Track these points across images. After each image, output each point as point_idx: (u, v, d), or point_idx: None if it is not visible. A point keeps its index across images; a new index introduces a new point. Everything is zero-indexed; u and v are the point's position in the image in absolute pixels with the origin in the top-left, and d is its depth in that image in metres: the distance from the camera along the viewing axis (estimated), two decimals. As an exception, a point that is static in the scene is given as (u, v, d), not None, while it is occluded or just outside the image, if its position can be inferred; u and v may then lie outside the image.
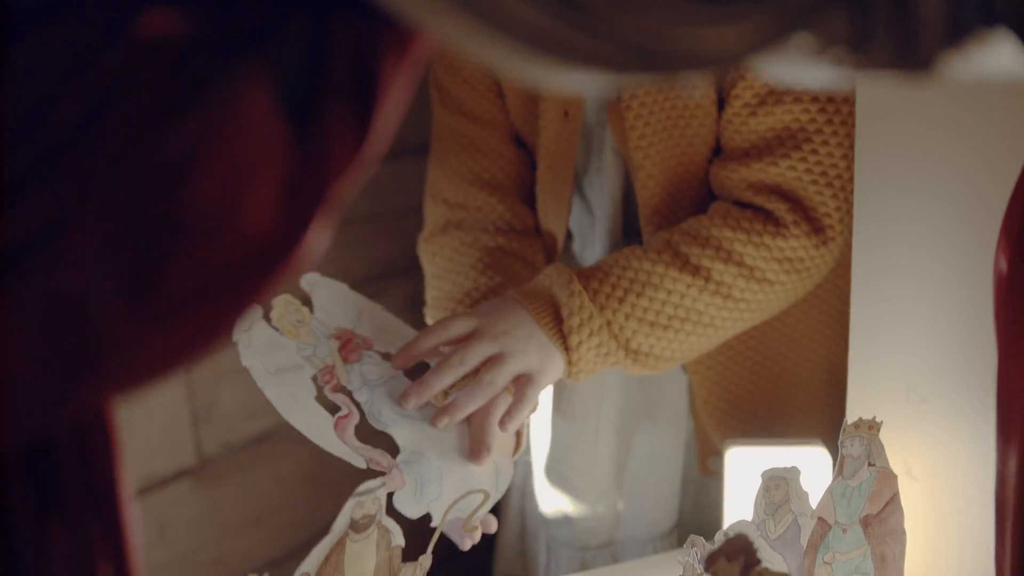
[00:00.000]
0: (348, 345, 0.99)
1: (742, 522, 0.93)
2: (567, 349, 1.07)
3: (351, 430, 0.96)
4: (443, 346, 1.04)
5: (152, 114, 0.37)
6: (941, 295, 1.01)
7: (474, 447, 1.01)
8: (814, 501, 0.96)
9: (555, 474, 1.36)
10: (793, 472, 0.93)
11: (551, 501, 1.38)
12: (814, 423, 1.31)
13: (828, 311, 1.29)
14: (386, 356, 1.02)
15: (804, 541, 0.95)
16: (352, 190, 0.41)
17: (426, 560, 0.91)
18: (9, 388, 0.38)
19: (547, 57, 0.35)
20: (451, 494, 0.98)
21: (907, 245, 1.03)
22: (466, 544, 0.99)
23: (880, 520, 0.97)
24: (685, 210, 1.21)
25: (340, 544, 0.85)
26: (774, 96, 1.12)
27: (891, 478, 0.96)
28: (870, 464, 0.95)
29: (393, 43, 0.40)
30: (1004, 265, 0.81)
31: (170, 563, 1.56)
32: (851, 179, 1.11)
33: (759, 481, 0.95)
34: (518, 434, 1.07)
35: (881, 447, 0.96)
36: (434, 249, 1.27)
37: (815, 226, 1.13)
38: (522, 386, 1.03)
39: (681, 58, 0.35)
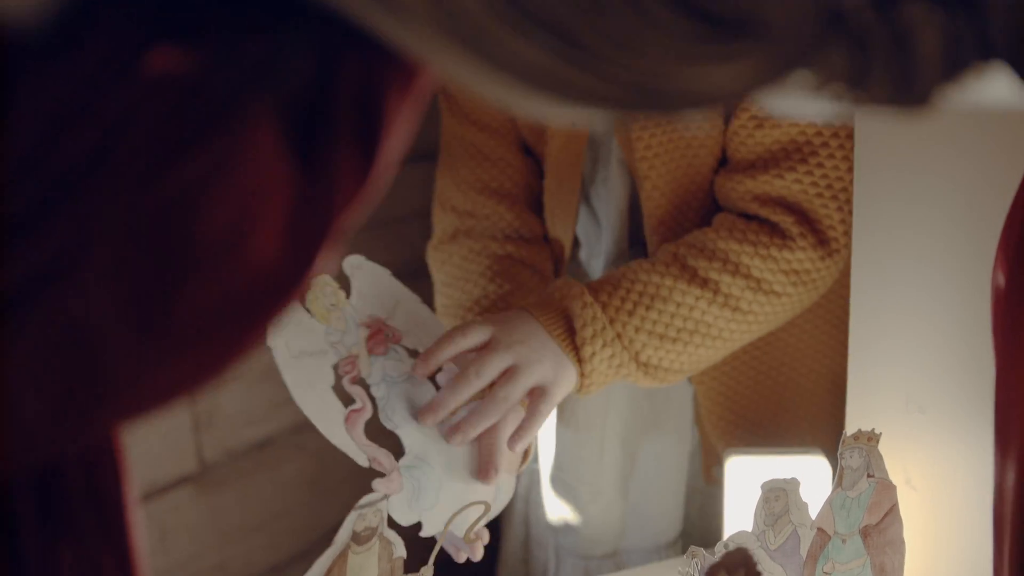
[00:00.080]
0: (376, 336, 0.99)
1: (742, 533, 0.94)
2: (580, 361, 1.07)
3: (361, 426, 0.95)
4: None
5: (160, 150, 0.37)
6: (940, 306, 1.02)
7: (482, 466, 1.01)
8: (814, 511, 0.97)
9: (560, 483, 1.37)
10: (793, 483, 0.94)
11: (556, 510, 1.38)
12: (818, 432, 1.31)
13: (831, 321, 1.30)
14: (412, 353, 1.02)
15: (804, 551, 0.95)
16: (357, 222, 0.42)
17: (428, 572, 0.92)
18: (19, 415, 0.38)
19: (549, 95, 0.35)
20: (447, 505, 0.98)
21: (906, 256, 1.04)
22: (461, 556, 0.99)
23: (879, 530, 0.97)
24: (690, 221, 1.21)
25: (342, 556, 0.85)
26: None
27: (890, 489, 0.97)
28: (869, 475, 0.96)
29: (397, 77, 0.40)
30: (1002, 279, 0.82)
31: (171, 569, 1.56)
32: None
33: (759, 491, 0.95)
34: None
35: (880, 458, 0.97)
36: (443, 257, 1.27)
37: (820, 238, 1.14)
38: (535, 401, 1.03)
39: (682, 96, 0.36)
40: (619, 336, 1.08)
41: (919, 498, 1.06)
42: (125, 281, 0.37)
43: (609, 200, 1.26)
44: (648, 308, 1.10)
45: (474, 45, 0.34)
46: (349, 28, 0.38)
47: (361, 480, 0.97)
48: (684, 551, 1.36)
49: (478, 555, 0.99)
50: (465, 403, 1.02)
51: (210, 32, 0.37)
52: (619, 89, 0.35)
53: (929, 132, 0.99)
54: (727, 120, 1.17)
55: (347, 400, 0.97)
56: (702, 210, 1.21)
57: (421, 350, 1.01)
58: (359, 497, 0.94)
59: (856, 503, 0.96)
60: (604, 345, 1.08)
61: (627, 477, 1.36)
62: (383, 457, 0.95)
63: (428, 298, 1.36)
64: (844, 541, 0.96)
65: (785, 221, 1.13)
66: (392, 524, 0.90)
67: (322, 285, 0.95)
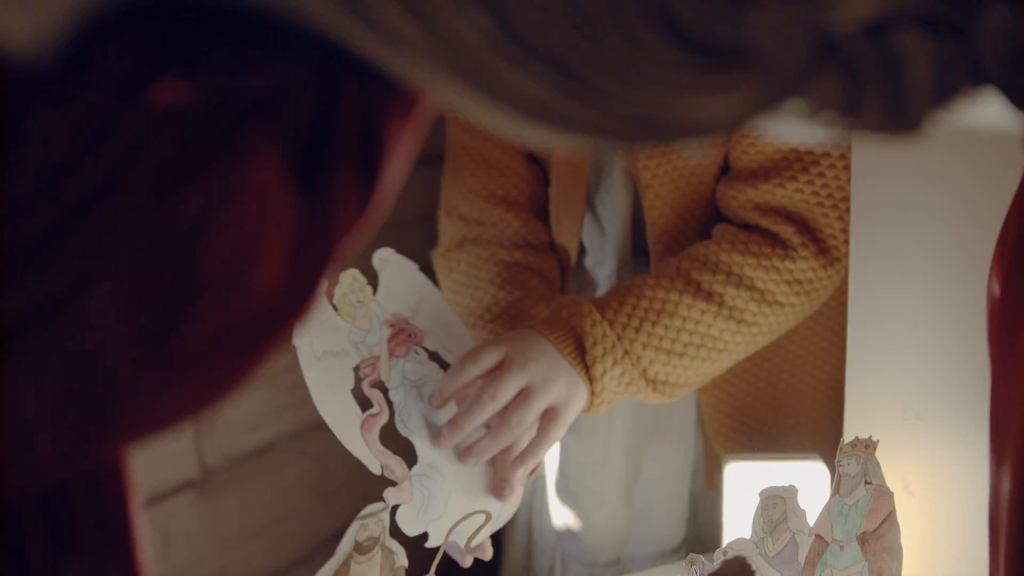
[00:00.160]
0: (398, 336, 0.99)
1: (741, 540, 0.94)
2: (591, 380, 1.07)
3: (376, 431, 0.95)
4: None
5: (166, 180, 0.38)
6: (937, 314, 1.02)
7: (497, 483, 1.02)
8: (812, 517, 0.97)
9: (564, 491, 1.37)
10: (791, 491, 0.94)
11: (560, 517, 1.39)
12: (819, 438, 1.32)
13: (832, 327, 1.30)
14: (432, 355, 1.02)
15: (802, 558, 0.96)
16: (358, 247, 0.42)
17: (430, 580, 0.93)
18: (26, 439, 0.39)
19: (548, 126, 0.36)
20: (454, 515, 0.98)
21: (903, 264, 1.04)
22: (467, 560, 1.00)
23: (877, 537, 0.98)
24: (693, 229, 1.22)
25: (345, 566, 0.86)
26: None
27: (887, 496, 0.98)
28: (866, 482, 0.97)
29: (397, 106, 0.41)
30: (997, 289, 0.83)
31: (173, 575, 1.57)
32: None
33: (757, 498, 0.96)
34: None
35: (877, 465, 0.97)
36: (451, 264, 1.28)
37: (822, 247, 1.14)
38: (545, 425, 1.04)
39: (678, 127, 0.36)
40: (627, 353, 1.09)
41: (917, 504, 1.07)
42: (132, 308, 0.38)
43: (613, 208, 1.27)
44: (655, 324, 1.10)
45: (473, 78, 0.35)
46: (350, 58, 0.38)
47: (362, 485, 0.97)
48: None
49: (489, 553, 1.00)
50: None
51: (214, 64, 0.38)
52: (617, 121, 0.36)
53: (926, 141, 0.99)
54: None
55: (364, 404, 0.97)
56: (704, 218, 1.22)
57: (442, 351, 1.02)
58: (360, 502, 0.94)
59: (854, 510, 0.97)
60: (615, 363, 1.08)
61: (631, 484, 1.37)
62: (396, 465, 0.95)
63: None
64: (842, 547, 0.97)
65: (786, 231, 1.14)
66: (394, 533, 0.91)
67: (351, 280, 0.95)
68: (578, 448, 1.34)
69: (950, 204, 0.99)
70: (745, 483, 1.16)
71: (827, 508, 0.96)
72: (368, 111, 0.40)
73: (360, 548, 0.86)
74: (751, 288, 1.12)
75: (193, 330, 0.39)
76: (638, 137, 0.36)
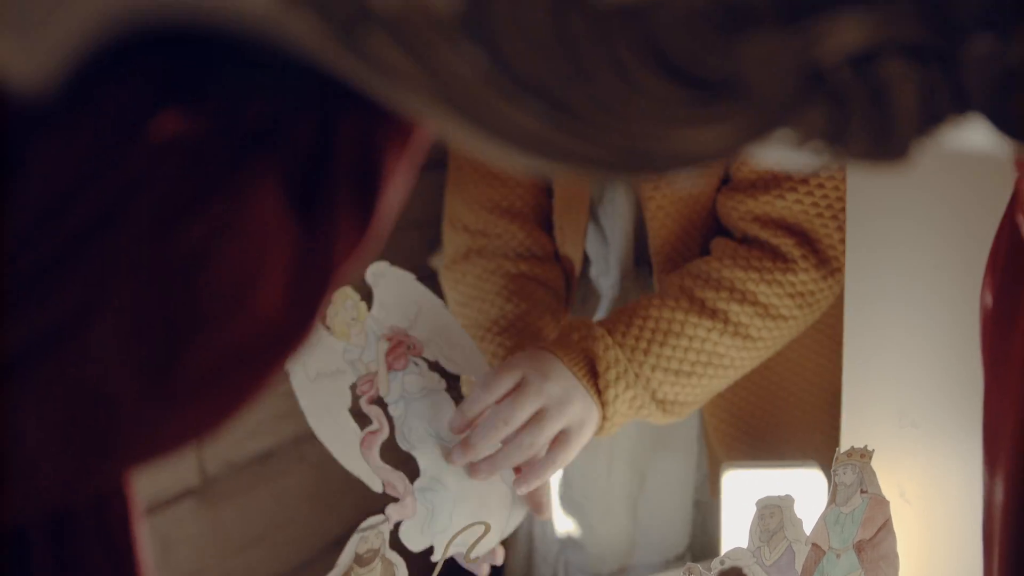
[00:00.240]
0: (397, 349, 0.98)
1: (738, 549, 0.95)
2: (603, 404, 1.08)
3: (377, 448, 0.95)
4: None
5: (168, 210, 0.39)
6: (932, 323, 1.03)
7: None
8: (809, 525, 0.98)
9: (568, 501, 1.38)
10: (787, 500, 0.95)
11: (564, 527, 1.39)
12: (821, 444, 1.33)
13: (832, 336, 1.31)
14: (433, 365, 1.01)
15: (799, 567, 0.97)
16: (357, 273, 0.43)
17: (429, 591, 0.93)
18: (31, 467, 0.40)
19: (541, 158, 0.37)
20: (460, 527, 0.98)
21: (898, 273, 1.05)
22: (484, 570, 1.00)
23: (873, 545, 0.99)
24: (695, 240, 1.22)
25: (345, 577, 0.87)
26: None
27: (883, 504, 0.99)
28: (862, 491, 0.97)
29: (394, 134, 0.42)
30: (989, 299, 0.84)
31: (175, 582, 1.58)
32: None
33: (754, 507, 0.97)
34: None
35: (873, 474, 0.98)
36: (456, 276, 1.28)
37: (822, 258, 1.15)
38: (555, 447, 1.04)
39: (670, 158, 0.37)
40: (638, 376, 1.09)
41: (913, 511, 1.08)
42: (134, 339, 0.39)
43: (616, 219, 1.27)
44: (662, 344, 1.10)
45: (468, 111, 0.36)
46: (347, 88, 0.39)
47: (363, 491, 0.97)
48: (692, 565, 1.38)
49: (485, 571, 1.01)
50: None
51: (214, 96, 0.39)
52: (609, 153, 0.36)
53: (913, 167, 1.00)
54: None
55: (363, 421, 0.96)
56: (706, 229, 1.22)
57: (443, 360, 1.02)
58: (360, 508, 0.94)
59: (850, 518, 0.97)
60: (627, 387, 1.09)
61: (636, 494, 1.37)
62: (397, 481, 0.95)
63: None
64: (838, 556, 0.97)
65: (786, 244, 1.14)
66: (394, 546, 0.92)
67: (344, 298, 0.94)
68: (582, 458, 1.35)
69: (945, 214, 1.00)
70: (743, 491, 1.16)
71: (823, 517, 0.97)
72: (365, 140, 0.41)
73: (360, 560, 0.87)
74: (755, 303, 1.13)
75: (195, 359, 0.40)
76: (630, 169, 0.37)
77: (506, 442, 1.02)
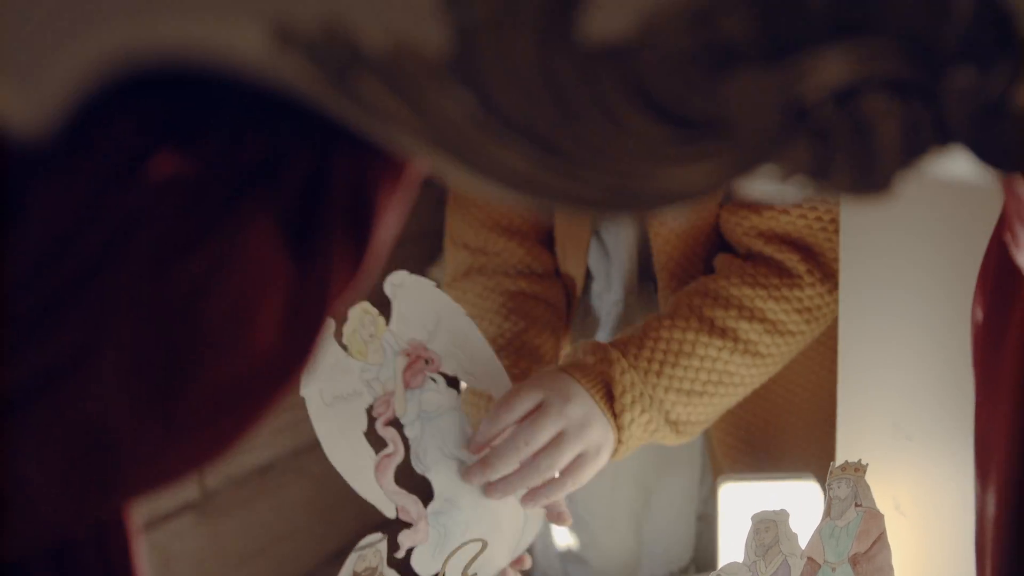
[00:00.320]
0: (415, 365, 0.96)
1: (734, 564, 0.96)
2: (618, 428, 1.08)
3: (391, 472, 0.94)
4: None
5: (166, 248, 0.39)
6: (926, 337, 1.04)
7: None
8: (804, 538, 0.99)
9: (572, 516, 1.38)
10: (782, 515, 0.96)
11: (567, 542, 1.40)
12: (824, 455, 1.33)
13: (834, 348, 1.32)
14: (451, 381, 1.00)
15: (795, 580, 0.98)
16: (351, 305, 0.44)
17: (428, 610, 0.93)
18: (34, 500, 0.40)
19: (530, 196, 0.38)
20: (473, 549, 0.98)
21: (892, 287, 1.06)
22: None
23: (868, 558, 0.99)
24: (699, 256, 1.23)
25: (343, 595, 0.87)
26: None
27: (878, 518, 0.99)
28: (857, 504, 0.98)
29: (387, 170, 0.43)
30: (980, 314, 0.84)
31: (176, 597, 1.58)
32: None
33: (749, 521, 0.98)
34: None
35: (867, 488, 0.99)
36: (457, 295, 1.29)
37: (826, 272, 1.16)
38: (569, 471, 1.05)
39: (657, 196, 0.38)
40: (651, 398, 1.10)
41: (908, 523, 1.08)
42: (133, 377, 0.40)
43: (619, 236, 1.28)
44: (674, 366, 1.11)
45: (457, 152, 0.37)
46: (340, 127, 0.40)
47: (363, 504, 0.96)
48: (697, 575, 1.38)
49: (526, 565, 1.01)
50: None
51: (209, 136, 0.40)
52: (597, 192, 0.37)
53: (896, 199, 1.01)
54: None
55: (377, 443, 0.94)
56: (710, 245, 1.23)
57: (461, 375, 1.01)
58: (360, 520, 0.94)
59: (845, 532, 0.98)
60: (643, 411, 1.09)
61: (640, 508, 1.37)
62: (411, 505, 0.94)
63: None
64: (834, 569, 0.98)
65: (791, 259, 1.15)
66: (392, 563, 0.92)
67: (361, 314, 0.92)
68: None
69: (937, 230, 1.01)
70: (740, 504, 1.17)
71: (818, 531, 0.98)
72: (358, 177, 0.42)
73: (358, 578, 0.87)
74: (763, 320, 1.14)
75: (194, 394, 0.41)
76: (618, 207, 0.38)
77: (524, 463, 1.02)
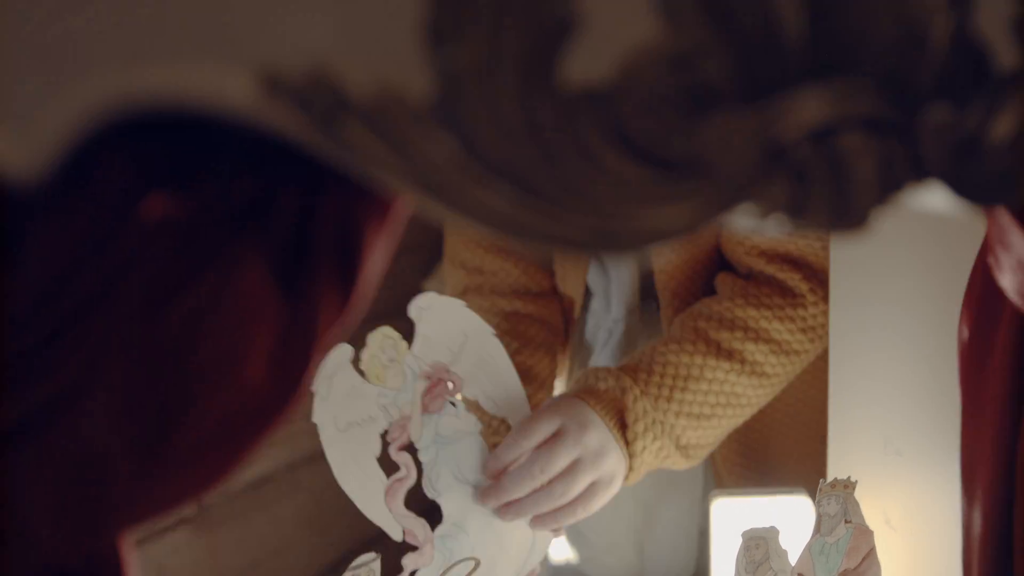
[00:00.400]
0: (435, 389, 0.94)
1: (725, 580, 0.97)
2: (631, 455, 1.09)
3: (402, 495, 0.93)
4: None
5: (158, 288, 0.40)
6: (915, 354, 1.05)
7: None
8: (795, 554, 1.00)
9: (574, 533, 1.39)
10: (772, 532, 0.97)
11: (569, 559, 1.40)
12: (821, 470, 1.34)
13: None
14: (472, 405, 1.00)
15: (785, 596, 0.98)
16: (341, 340, 0.45)
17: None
18: (27, 537, 0.41)
19: (512, 237, 0.38)
20: (464, 567, 0.98)
21: (881, 306, 1.07)
22: None
23: (858, 574, 1.00)
24: (700, 275, 1.23)
25: (337, 614, 0.87)
26: None
27: (867, 534, 1.00)
28: (846, 521, 0.99)
29: (373, 209, 0.44)
30: (966, 333, 0.85)
31: (172, 611, 1.58)
32: None
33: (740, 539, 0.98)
34: None
35: (856, 504, 1.00)
36: None
37: (828, 290, 1.16)
38: (578, 501, 1.05)
39: (637, 236, 0.39)
40: (662, 424, 1.10)
41: (899, 538, 1.09)
42: (128, 411, 0.40)
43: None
44: (683, 390, 1.12)
45: (441, 193, 0.38)
46: (327, 168, 0.41)
47: (358, 517, 0.96)
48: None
49: None
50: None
51: (200, 178, 0.41)
52: (578, 232, 0.38)
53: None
54: None
55: (389, 467, 0.93)
56: (711, 264, 1.23)
57: (482, 399, 1.00)
58: (356, 533, 0.94)
59: (835, 548, 0.99)
60: (655, 438, 1.10)
61: (641, 524, 1.38)
62: (418, 529, 0.94)
63: (412, 333, 1.37)
64: (824, 585, 0.99)
65: (793, 278, 1.16)
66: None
67: (382, 339, 0.91)
68: None
69: (926, 248, 1.02)
70: (732, 519, 1.18)
71: (809, 547, 0.99)
72: (345, 216, 0.43)
73: (352, 597, 0.88)
74: (769, 341, 1.14)
75: (185, 431, 0.42)
76: (600, 247, 0.38)
77: (538, 488, 1.02)
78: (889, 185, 0.43)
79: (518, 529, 1.03)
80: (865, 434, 1.11)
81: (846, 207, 0.42)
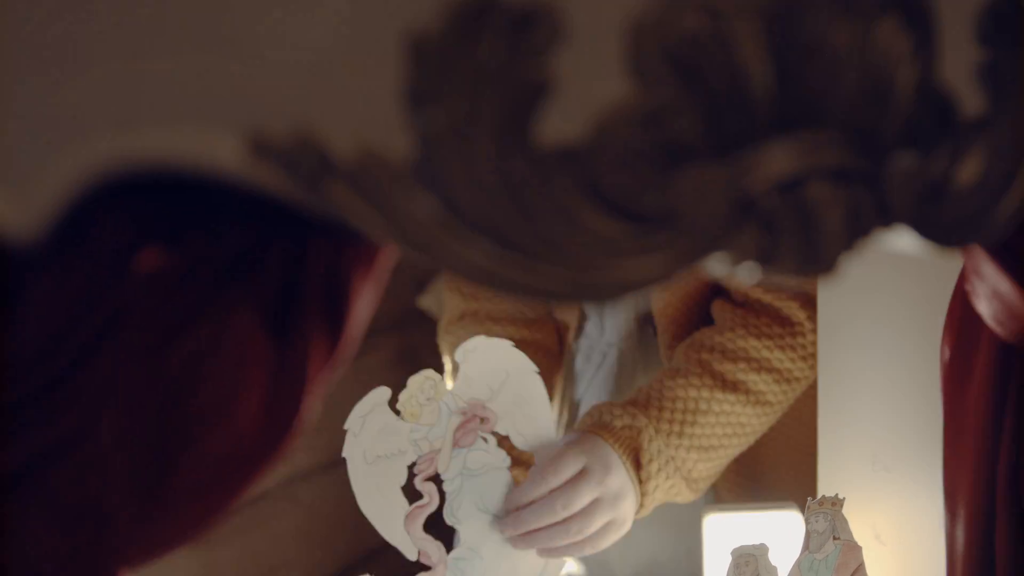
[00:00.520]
0: (468, 424, 0.97)
1: (715, 597, 0.98)
2: (643, 494, 1.11)
3: (422, 520, 0.95)
4: None
5: (154, 338, 0.42)
6: (901, 373, 1.06)
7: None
8: (784, 570, 1.01)
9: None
10: (761, 549, 0.98)
11: (573, 572, 1.41)
12: (812, 483, 1.35)
13: None
14: (502, 440, 1.01)
15: (775, 613, 1.00)
16: (327, 389, 0.46)
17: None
18: (35, 573, 0.43)
19: (493, 288, 0.40)
20: None
21: (868, 327, 1.09)
22: None
23: (847, 590, 1.01)
24: (696, 302, 1.25)
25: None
26: None
27: (855, 550, 1.02)
28: (835, 538, 1.00)
29: (359, 258, 0.45)
30: (947, 353, 0.87)
31: (171, 628, 1.59)
32: None
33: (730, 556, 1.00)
34: None
35: (844, 521, 1.01)
36: (452, 340, 1.31)
37: None
38: (593, 537, 1.07)
39: (612, 287, 0.40)
40: (672, 460, 1.12)
41: (888, 552, 1.11)
42: (128, 453, 0.42)
43: None
44: (692, 424, 1.13)
45: (423, 249, 0.39)
46: (314, 220, 0.42)
47: (355, 532, 0.97)
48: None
49: None
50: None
51: (192, 232, 0.42)
52: (555, 283, 0.40)
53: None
54: None
55: (412, 495, 0.95)
56: (707, 291, 1.25)
57: (513, 435, 1.02)
58: (353, 548, 0.96)
59: (823, 564, 1.00)
60: (667, 477, 1.12)
61: (642, 542, 1.39)
62: (433, 551, 0.96)
63: (411, 346, 1.38)
64: (813, 601, 1.00)
65: (790, 306, 1.17)
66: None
67: (422, 381, 0.93)
68: None
69: (912, 269, 1.03)
70: (724, 534, 1.19)
71: (798, 564, 1.00)
72: (332, 265, 0.45)
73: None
74: (771, 370, 1.16)
75: (183, 476, 0.43)
76: (577, 297, 0.40)
77: (556, 523, 1.04)
78: (857, 232, 0.45)
79: (531, 556, 1.05)
80: (854, 451, 1.12)
81: (815, 254, 0.44)
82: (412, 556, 0.96)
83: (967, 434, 0.86)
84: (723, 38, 0.41)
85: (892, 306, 1.05)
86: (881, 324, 1.07)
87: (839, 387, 1.12)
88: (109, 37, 0.38)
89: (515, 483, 1.04)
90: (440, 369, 1.27)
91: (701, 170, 0.41)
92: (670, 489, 1.13)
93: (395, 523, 0.94)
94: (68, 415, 0.41)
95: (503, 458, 1.02)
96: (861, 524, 1.07)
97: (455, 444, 0.96)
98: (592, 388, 1.32)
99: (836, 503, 1.00)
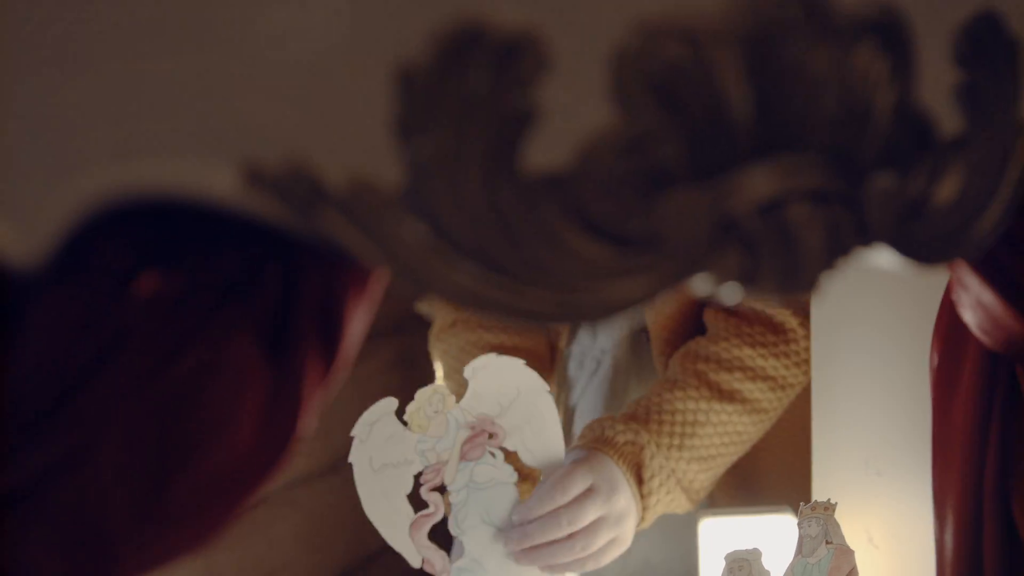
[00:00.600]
0: (476, 439, 0.98)
1: (710, 602, 0.99)
2: (644, 508, 1.12)
3: (427, 529, 0.96)
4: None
5: (154, 360, 0.43)
6: (893, 378, 1.07)
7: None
8: (777, 575, 1.02)
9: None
10: (755, 554, 0.99)
11: None
12: (807, 486, 1.36)
13: None
14: (510, 456, 1.02)
15: (769, 616, 1.01)
16: (323, 407, 0.48)
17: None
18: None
19: (481, 310, 0.41)
20: None
21: (861, 332, 1.10)
22: None
23: (840, 593, 1.03)
24: (689, 309, 1.25)
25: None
26: None
27: (848, 554, 1.03)
28: (827, 542, 1.02)
29: (352, 280, 0.46)
30: (936, 359, 0.88)
31: (172, 634, 1.60)
32: None
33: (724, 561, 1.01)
34: None
35: (837, 526, 1.02)
36: (443, 347, 1.32)
37: None
38: (597, 554, 1.08)
39: (597, 307, 0.42)
40: (672, 473, 1.13)
41: (881, 555, 1.12)
42: (128, 471, 0.43)
43: None
44: (692, 436, 1.15)
45: (413, 273, 0.40)
46: (307, 245, 0.44)
47: (355, 536, 0.99)
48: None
49: None
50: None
51: (190, 257, 0.43)
52: (542, 306, 0.41)
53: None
54: None
55: (418, 504, 0.97)
56: (700, 299, 1.26)
57: (521, 451, 1.03)
58: (353, 552, 0.97)
59: (816, 568, 1.01)
60: (668, 492, 1.13)
61: (637, 545, 1.40)
62: (437, 560, 0.97)
63: (409, 349, 1.38)
64: (806, 605, 1.01)
65: (783, 314, 1.18)
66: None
67: (430, 394, 0.95)
68: None
69: (902, 281, 1.04)
70: (719, 538, 1.20)
71: (791, 568, 1.01)
72: (326, 287, 0.46)
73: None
74: (766, 378, 1.17)
75: (182, 490, 0.44)
76: (563, 318, 0.41)
77: (560, 539, 1.05)
78: (837, 251, 0.46)
79: (533, 572, 1.06)
80: (847, 455, 1.14)
81: (796, 274, 0.45)
82: (416, 564, 0.97)
83: (955, 440, 0.87)
84: (704, 66, 0.42)
85: (884, 312, 1.06)
86: (874, 330, 1.08)
87: (832, 392, 1.14)
88: (108, 64, 0.39)
89: (521, 498, 1.05)
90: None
91: (684, 194, 0.42)
92: (671, 503, 1.14)
93: (400, 530, 0.96)
94: (68, 437, 0.42)
95: (510, 473, 1.03)
96: (855, 527, 1.08)
97: (462, 457, 0.98)
98: (587, 395, 1.33)
99: (828, 508, 1.02)
